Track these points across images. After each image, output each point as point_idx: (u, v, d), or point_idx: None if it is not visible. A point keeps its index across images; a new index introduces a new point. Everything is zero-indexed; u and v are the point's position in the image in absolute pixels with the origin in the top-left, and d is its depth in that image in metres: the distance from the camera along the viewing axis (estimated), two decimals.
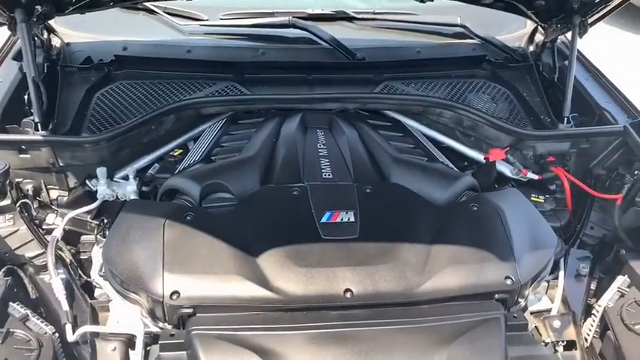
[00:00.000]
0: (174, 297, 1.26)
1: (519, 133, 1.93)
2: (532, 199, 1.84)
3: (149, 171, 1.89)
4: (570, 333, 1.47)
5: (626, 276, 1.56)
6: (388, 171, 1.69)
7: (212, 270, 1.32)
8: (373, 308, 1.29)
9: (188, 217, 1.43)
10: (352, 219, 1.45)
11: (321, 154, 1.74)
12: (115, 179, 1.81)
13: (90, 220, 1.77)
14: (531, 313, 1.53)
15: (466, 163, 2.11)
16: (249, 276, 1.29)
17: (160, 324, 1.32)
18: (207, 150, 1.78)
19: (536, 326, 1.50)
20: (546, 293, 1.60)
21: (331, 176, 1.63)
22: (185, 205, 1.53)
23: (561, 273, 1.62)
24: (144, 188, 1.85)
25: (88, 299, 1.51)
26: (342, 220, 1.45)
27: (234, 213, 1.48)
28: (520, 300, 1.40)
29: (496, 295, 1.35)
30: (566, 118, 1.98)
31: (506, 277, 1.36)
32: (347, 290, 1.28)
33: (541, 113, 2.08)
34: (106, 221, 1.75)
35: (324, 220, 1.45)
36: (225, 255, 1.34)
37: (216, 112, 2.01)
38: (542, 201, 1.85)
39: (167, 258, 1.32)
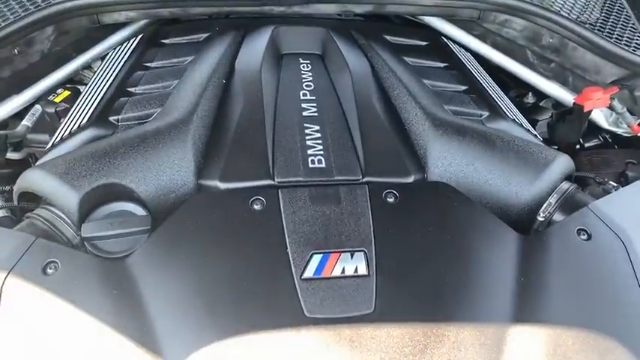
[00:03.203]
0: None
1: (637, 65, 1.16)
2: None
3: (22, 121, 1.15)
4: None
5: None
6: (424, 146, 0.95)
7: None
8: None
9: (49, 270, 0.75)
10: (363, 269, 0.77)
11: (306, 112, 0.98)
12: None
13: None
14: None
15: (531, 94, 1.37)
16: None
17: None
18: (106, 101, 1.01)
19: None
20: None
21: (323, 164, 0.90)
22: (48, 244, 0.80)
23: None
24: (12, 155, 1.12)
25: None
26: (343, 271, 0.76)
27: (139, 261, 0.77)
28: None
29: None
30: None
31: None
32: None
33: None
34: None
35: (309, 273, 0.76)
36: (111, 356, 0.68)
37: (126, 20, 1.19)
38: None
39: None
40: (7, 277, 0.74)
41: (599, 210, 0.88)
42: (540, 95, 1.37)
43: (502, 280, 0.79)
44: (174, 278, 0.76)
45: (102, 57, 1.24)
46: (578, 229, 0.85)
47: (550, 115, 1.28)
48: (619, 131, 1.25)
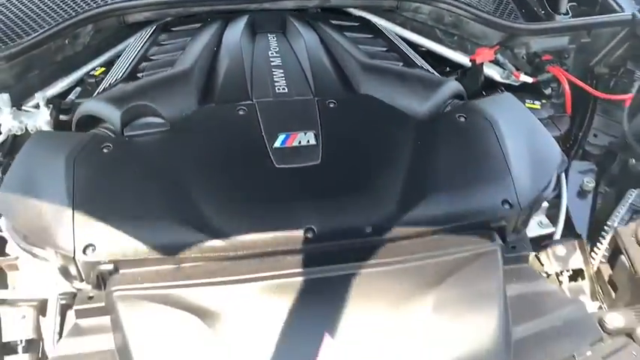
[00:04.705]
0: (88, 251, 0.99)
1: (511, 28, 1.62)
2: (527, 105, 1.56)
3: (69, 96, 1.56)
4: (576, 261, 1.25)
5: None
6: (356, 81, 1.37)
7: (136, 214, 1.04)
8: (341, 250, 1.04)
9: (105, 150, 1.14)
10: (313, 141, 1.17)
11: (273, 63, 1.41)
12: (24, 108, 1.47)
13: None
14: (530, 240, 1.30)
15: (448, 68, 1.82)
16: (184, 219, 1.02)
17: (77, 284, 1.06)
18: (133, 65, 1.44)
19: (537, 255, 1.28)
20: (546, 215, 1.36)
21: (286, 90, 1.32)
22: (102, 135, 1.22)
23: (564, 190, 1.38)
24: (62, 117, 1.53)
25: None
26: (299, 143, 1.17)
27: (164, 141, 1.18)
28: (520, 228, 1.16)
29: (491, 224, 1.11)
30: (563, 9, 1.67)
31: (504, 202, 1.11)
32: (308, 229, 1.02)
33: (533, 4, 1.76)
34: None
35: (277, 144, 1.16)
36: (152, 195, 1.06)
37: (145, 20, 1.65)
38: (539, 107, 1.57)
39: (78, 202, 1.03)
40: (78, 154, 1.12)
41: (473, 104, 1.30)
42: (456, 67, 1.82)
43: (405, 143, 1.19)
44: (188, 151, 1.16)
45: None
46: (458, 115, 1.26)
47: (456, 72, 1.73)
48: (509, 81, 1.69)
